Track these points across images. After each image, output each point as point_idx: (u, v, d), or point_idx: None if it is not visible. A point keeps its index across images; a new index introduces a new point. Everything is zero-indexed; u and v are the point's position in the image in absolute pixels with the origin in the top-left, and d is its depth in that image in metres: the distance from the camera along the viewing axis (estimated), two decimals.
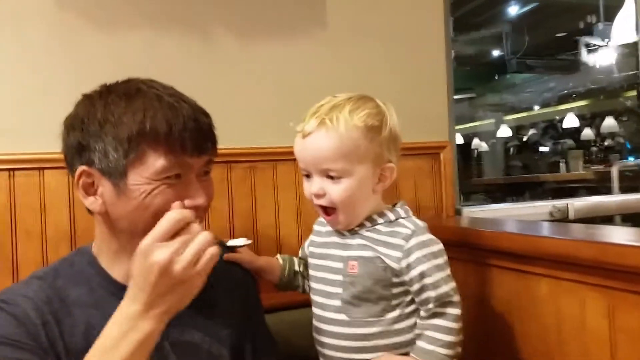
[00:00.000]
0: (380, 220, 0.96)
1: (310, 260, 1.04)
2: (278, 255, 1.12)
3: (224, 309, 0.97)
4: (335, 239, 1.00)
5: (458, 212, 1.61)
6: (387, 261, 0.92)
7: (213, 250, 0.75)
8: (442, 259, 0.94)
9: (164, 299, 0.73)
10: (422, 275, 0.91)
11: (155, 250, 0.72)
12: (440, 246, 0.95)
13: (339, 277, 0.96)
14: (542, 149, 9.64)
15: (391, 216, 0.97)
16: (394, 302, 0.93)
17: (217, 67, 1.38)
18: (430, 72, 1.59)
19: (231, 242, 0.99)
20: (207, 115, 0.90)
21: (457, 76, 1.69)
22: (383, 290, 0.93)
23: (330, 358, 0.97)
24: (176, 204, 0.78)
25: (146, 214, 0.82)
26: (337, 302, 0.95)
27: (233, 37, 1.39)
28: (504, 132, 9.54)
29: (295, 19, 1.46)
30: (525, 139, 9.60)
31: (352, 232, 0.97)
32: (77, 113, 0.87)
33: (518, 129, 10.19)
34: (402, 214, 0.98)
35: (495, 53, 7.64)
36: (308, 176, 0.95)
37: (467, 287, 1.24)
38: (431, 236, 0.95)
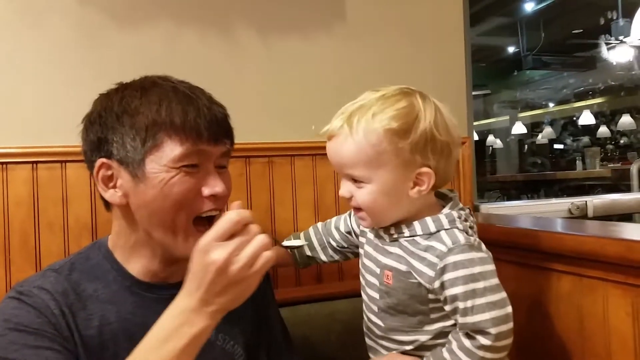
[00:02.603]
0: (420, 232, 0.89)
1: (361, 256, 1.00)
2: (284, 241, 1.08)
3: (238, 306, 0.97)
4: (377, 241, 0.96)
5: (476, 209, 1.59)
6: (419, 279, 0.86)
7: (269, 253, 0.75)
8: (484, 283, 0.83)
9: (218, 298, 0.74)
10: (454, 299, 0.84)
11: (213, 249, 0.73)
12: (485, 267, 0.85)
13: (377, 283, 0.93)
14: (557, 146, 9.54)
15: (432, 227, 0.88)
16: (433, 316, 0.88)
17: (237, 61, 1.38)
18: (449, 67, 1.58)
19: (287, 243, 0.97)
20: (222, 107, 0.91)
21: (472, 72, 1.68)
22: (420, 305, 0.88)
23: (373, 349, 0.97)
24: (235, 204, 0.77)
25: (166, 203, 0.83)
26: (374, 307, 0.94)
27: (253, 32, 1.39)
28: (519, 129, 9.46)
29: (315, 14, 1.45)
30: (540, 136, 9.50)
31: (392, 239, 0.92)
32: (94, 110, 0.89)
33: (533, 126, 10.09)
34: (446, 224, 0.88)
35: (511, 49, 7.57)
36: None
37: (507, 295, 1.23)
38: (473, 255, 0.85)
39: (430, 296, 0.87)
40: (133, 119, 0.83)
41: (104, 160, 0.85)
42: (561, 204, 1.81)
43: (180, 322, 0.74)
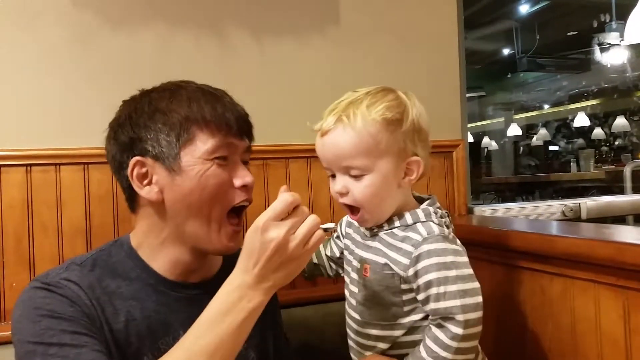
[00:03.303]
0: (398, 224, 0.93)
1: (345, 252, 1.03)
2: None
3: None
4: (358, 237, 0.99)
5: (470, 211, 1.60)
6: (395, 268, 0.89)
7: (320, 232, 0.80)
8: (456, 271, 0.86)
9: (274, 274, 0.78)
10: (427, 285, 0.86)
11: (272, 227, 0.77)
12: (457, 258, 0.88)
13: (356, 277, 0.96)
14: (551, 147, 9.58)
15: (409, 219, 0.92)
16: (406, 308, 0.91)
17: (230, 64, 1.39)
18: (443, 70, 1.58)
19: (323, 226, 0.97)
20: (241, 106, 0.96)
21: (467, 74, 1.68)
22: (393, 296, 0.90)
23: (353, 349, 0.98)
24: (284, 188, 0.81)
25: (204, 194, 0.87)
26: (353, 301, 0.96)
27: (247, 35, 1.40)
28: (514, 130, 9.49)
29: (309, 18, 1.46)
30: (535, 138, 9.54)
31: (372, 233, 0.95)
32: (122, 114, 0.93)
33: (528, 128, 10.13)
34: (422, 217, 0.92)
35: (506, 51, 7.60)
36: (333, 175, 0.93)
37: (480, 286, 1.24)
38: (447, 245, 0.88)
39: (404, 286, 0.89)
40: (166, 116, 0.88)
41: (138, 158, 0.88)
42: (555, 206, 1.82)
43: (238, 296, 0.77)
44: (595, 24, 5.65)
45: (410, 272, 0.88)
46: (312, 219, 0.79)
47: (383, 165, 0.89)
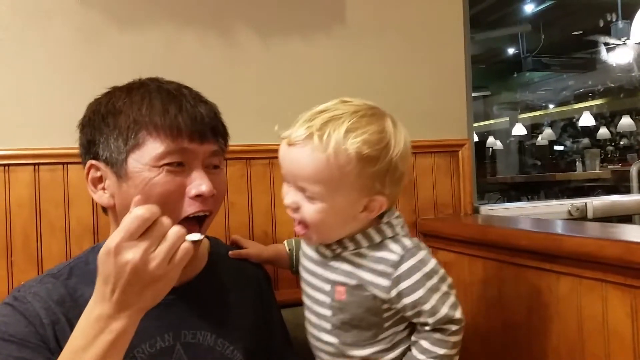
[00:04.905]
0: (365, 244, 0.86)
1: (301, 272, 0.96)
2: (285, 242, 1.09)
3: (237, 310, 0.96)
4: (318, 257, 0.92)
5: (476, 210, 1.60)
6: (375, 291, 0.85)
7: (187, 245, 0.72)
8: (437, 277, 0.85)
9: (138, 297, 0.71)
10: (416, 304, 0.84)
11: (126, 249, 0.68)
12: (432, 264, 0.86)
13: (328, 300, 0.89)
14: (557, 147, 9.55)
15: (376, 238, 0.86)
16: (386, 324, 0.87)
17: (236, 63, 1.39)
18: (449, 69, 1.58)
19: (190, 237, 0.87)
20: (211, 105, 0.90)
21: (472, 74, 1.68)
22: (374, 317, 0.86)
23: None
24: (137, 199, 0.73)
25: (149, 202, 0.79)
26: (327, 325, 0.89)
27: (253, 34, 1.40)
28: (519, 130, 9.47)
29: (315, 16, 1.46)
30: (540, 137, 9.51)
31: (335, 255, 0.88)
32: (86, 114, 0.90)
33: (533, 128, 10.11)
34: (389, 232, 0.87)
35: (511, 51, 7.59)
36: (289, 182, 0.86)
37: (486, 285, 1.24)
38: (422, 255, 0.85)
39: (385, 306, 0.86)
40: (116, 118, 0.84)
41: (92, 161, 0.86)
42: (561, 206, 1.81)
43: (98, 328, 0.70)
44: (601, 23, 5.63)
45: (393, 293, 0.84)
46: (174, 232, 0.71)
47: (340, 199, 0.81)
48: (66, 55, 1.25)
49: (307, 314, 0.93)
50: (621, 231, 1.06)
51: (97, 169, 0.86)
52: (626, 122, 8.16)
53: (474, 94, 1.78)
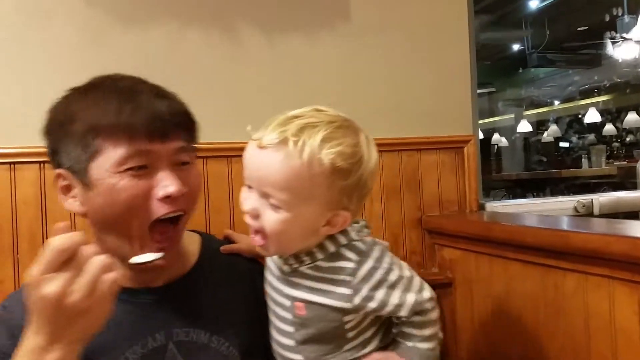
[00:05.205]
0: (320, 255, 0.83)
1: (266, 287, 0.92)
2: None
3: (230, 306, 0.95)
4: (278, 272, 0.88)
5: (481, 207, 1.59)
6: (336, 302, 0.82)
7: (112, 275, 0.68)
8: (396, 270, 0.83)
9: (68, 330, 0.67)
10: (383, 304, 0.82)
11: (44, 283, 0.65)
12: (389, 258, 0.84)
13: (289, 316, 0.86)
14: (562, 144, 9.51)
15: (331, 248, 0.83)
16: (350, 335, 0.85)
17: (240, 61, 1.38)
18: (454, 66, 1.57)
19: (136, 259, 0.83)
20: (172, 100, 0.85)
21: (477, 70, 1.67)
22: (336, 329, 0.84)
23: None
24: (59, 226, 0.68)
25: (116, 209, 0.79)
26: (290, 342, 0.86)
27: (256, 32, 1.40)
28: (524, 127, 9.43)
29: (319, 13, 1.45)
30: (545, 134, 9.47)
31: (292, 269, 0.85)
32: (45, 121, 0.86)
33: (539, 124, 10.07)
34: (342, 240, 0.83)
35: (516, 47, 7.56)
36: (250, 187, 0.81)
37: (492, 282, 1.23)
38: (377, 254, 0.83)
39: (347, 318, 0.83)
40: (72, 126, 0.80)
41: (58, 170, 0.84)
42: (567, 202, 1.80)
43: None
44: (607, 18, 5.59)
45: (357, 300, 0.82)
46: (95, 262, 0.67)
47: (306, 210, 0.78)
48: (70, 54, 1.25)
49: (272, 331, 0.91)
50: (628, 227, 1.05)
51: (64, 177, 0.84)
52: (632, 118, 8.11)
53: (478, 91, 1.77)
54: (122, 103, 0.79)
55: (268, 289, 0.91)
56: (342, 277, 0.82)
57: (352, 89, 1.47)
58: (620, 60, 6.34)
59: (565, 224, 1.22)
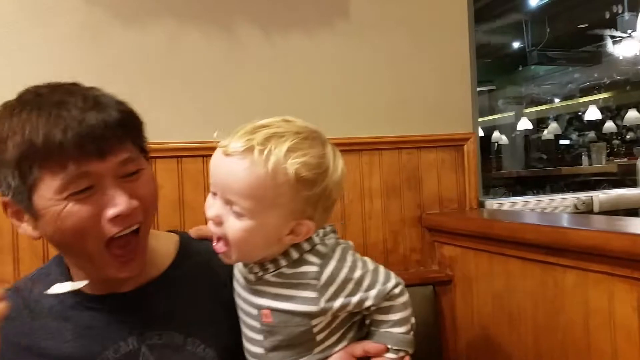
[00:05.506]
0: (284, 262, 0.83)
1: (234, 297, 0.92)
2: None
3: (208, 306, 0.93)
4: (243, 280, 0.89)
5: (481, 205, 1.59)
6: (302, 307, 0.82)
7: (1, 306, 0.69)
8: (361, 267, 0.84)
9: None
10: (348, 302, 0.83)
11: None
12: (351, 257, 0.85)
13: (256, 324, 0.86)
14: (562, 141, 9.50)
15: (294, 255, 0.83)
16: (319, 337, 0.85)
17: (239, 59, 1.39)
18: (453, 63, 1.57)
19: (55, 290, 0.80)
20: (105, 106, 0.78)
21: (476, 68, 1.67)
22: (305, 334, 0.84)
23: None
24: None
25: (67, 235, 0.76)
26: (260, 350, 0.87)
27: (256, 30, 1.40)
28: (524, 124, 9.42)
29: (318, 11, 1.45)
30: (546, 131, 9.47)
31: (257, 277, 0.85)
32: None
33: (539, 122, 10.06)
34: (306, 246, 0.84)
35: (516, 45, 7.55)
36: (215, 194, 0.81)
37: (492, 279, 1.24)
38: (338, 254, 0.84)
39: (314, 322, 0.83)
40: (4, 155, 0.75)
41: (4, 199, 0.80)
42: (567, 200, 1.80)
43: None
44: (607, 16, 5.59)
45: (322, 303, 0.82)
46: None
47: (269, 219, 0.78)
48: (69, 52, 1.25)
49: (243, 341, 0.90)
50: (628, 224, 1.05)
51: (11, 204, 0.80)
52: (632, 115, 8.10)
53: (478, 89, 1.77)
54: (50, 124, 0.73)
55: (236, 299, 0.91)
56: (306, 281, 0.82)
57: (351, 87, 1.47)
58: (620, 58, 6.33)
59: (565, 221, 1.22)
